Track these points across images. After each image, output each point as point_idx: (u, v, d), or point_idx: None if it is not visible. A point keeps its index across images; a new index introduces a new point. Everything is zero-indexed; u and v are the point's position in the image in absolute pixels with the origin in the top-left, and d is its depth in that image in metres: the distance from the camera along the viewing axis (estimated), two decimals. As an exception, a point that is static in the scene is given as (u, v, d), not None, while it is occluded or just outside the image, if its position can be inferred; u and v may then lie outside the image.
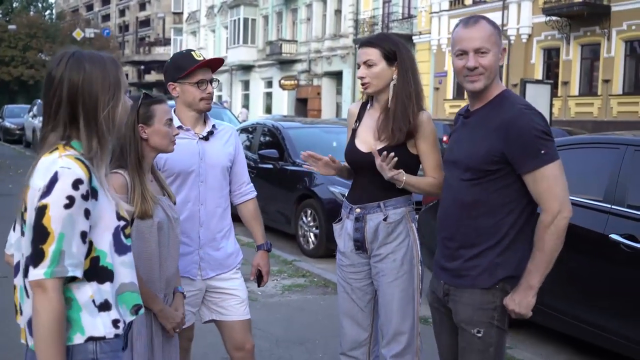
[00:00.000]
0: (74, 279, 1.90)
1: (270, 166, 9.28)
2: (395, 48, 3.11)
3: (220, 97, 45.97)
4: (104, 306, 1.97)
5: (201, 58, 3.20)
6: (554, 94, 21.39)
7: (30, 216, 1.88)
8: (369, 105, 3.28)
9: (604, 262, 4.60)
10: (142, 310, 2.14)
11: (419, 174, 3.19)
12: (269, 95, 42.26)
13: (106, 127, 1.99)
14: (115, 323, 1.99)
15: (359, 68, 3.17)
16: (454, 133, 2.94)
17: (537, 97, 19.39)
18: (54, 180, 1.85)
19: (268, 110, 41.25)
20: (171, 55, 3.39)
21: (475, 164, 2.69)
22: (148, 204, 2.68)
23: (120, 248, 2.03)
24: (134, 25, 69.58)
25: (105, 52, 2.09)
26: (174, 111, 3.30)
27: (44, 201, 1.84)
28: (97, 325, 1.95)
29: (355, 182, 3.26)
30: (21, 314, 1.99)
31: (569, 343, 5.29)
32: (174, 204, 2.90)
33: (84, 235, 1.89)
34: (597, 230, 4.62)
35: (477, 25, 2.70)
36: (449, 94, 30.33)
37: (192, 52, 3.25)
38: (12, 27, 48.42)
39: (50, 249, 1.83)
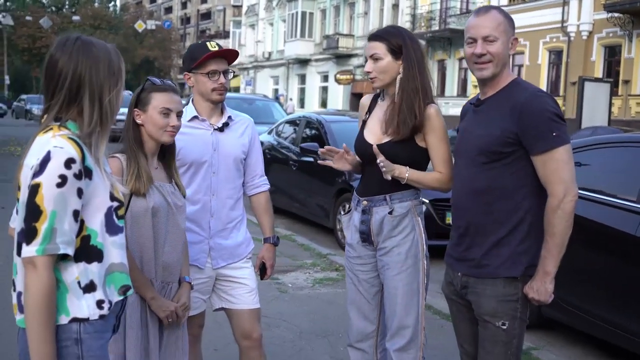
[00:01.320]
0: (64, 257, 1.94)
1: (312, 159, 9.30)
2: (402, 42, 3.09)
3: (276, 90, 46.31)
4: (89, 287, 2.00)
5: (215, 48, 3.20)
6: (614, 93, 20.87)
7: (23, 194, 1.92)
8: (380, 97, 3.27)
9: (635, 263, 4.48)
10: (131, 291, 2.16)
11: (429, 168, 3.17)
12: (324, 90, 42.31)
13: (110, 110, 2.05)
14: (99, 304, 2.02)
15: (366, 61, 3.15)
16: (463, 123, 2.97)
17: (596, 95, 18.97)
18: (46, 159, 1.88)
19: (323, 104, 41.33)
20: (189, 46, 3.42)
21: (489, 147, 2.71)
22: (141, 182, 2.70)
23: (111, 228, 2.06)
24: (195, 18, 70.56)
25: (102, 41, 2.13)
26: (192, 101, 3.34)
27: (36, 180, 1.88)
28: (82, 306, 1.98)
29: (364, 174, 3.26)
30: (14, 289, 2.04)
31: (598, 346, 5.17)
32: (183, 195, 2.93)
33: (76, 213, 1.93)
34: (628, 231, 4.50)
35: (487, 14, 2.75)
36: (506, 90, 29.84)
37: (208, 43, 3.26)
38: (76, 18, 49.67)
39: (42, 226, 1.86)
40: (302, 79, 44.68)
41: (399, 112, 3.07)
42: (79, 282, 1.99)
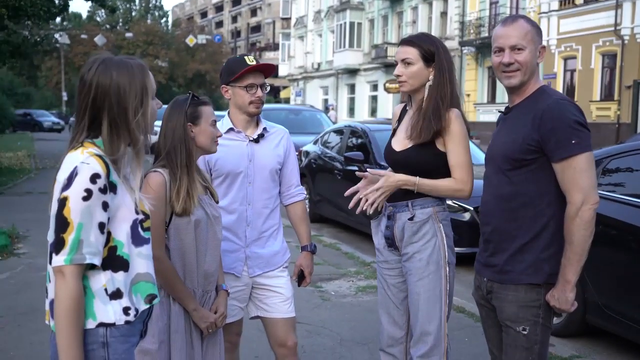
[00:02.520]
0: (92, 266, 2.04)
1: (356, 168, 9.32)
2: (434, 49, 3.12)
3: (326, 100, 46.51)
4: (116, 294, 2.09)
5: (253, 63, 3.29)
6: (670, 96, 20.36)
7: (53, 207, 2.03)
8: (408, 105, 3.31)
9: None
10: (157, 300, 2.24)
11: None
12: (374, 99, 42.33)
13: (138, 131, 2.11)
14: (125, 310, 2.10)
15: (396, 65, 3.19)
16: (495, 132, 2.97)
17: (651, 99, 18.54)
18: (73, 174, 1.99)
19: (373, 113, 41.35)
20: (227, 60, 3.51)
21: (513, 154, 2.74)
22: (192, 201, 2.79)
23: (137, 240, 2.15)
24: (245, 31, 71.47)
25: (136, 58, 2.18)
26: (228, 113, 3.42)
27: (64, 193, 1.98)
28: (108, 312, 2.07)
29: None
30: (47, 296, 2.14)
31: (647, 355, 5.06)
32: (217, 202, 3.01)
33: (101, 226, 2.02)
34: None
35: (515, 23, 2.78)
36: (558, 96, 29.35)
37: (245, 57, 3.34)
38: (129, 35, 50.81)
39: (70, 237, 1.97)
40: (352, 88, 44.79)
41: (424, 117, 3.09)
42: (105, 290, 2.08)
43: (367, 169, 3.29)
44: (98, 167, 2.01)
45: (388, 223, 3.24)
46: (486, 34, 31.98)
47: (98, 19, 65.61)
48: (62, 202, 1.99)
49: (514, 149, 2.73)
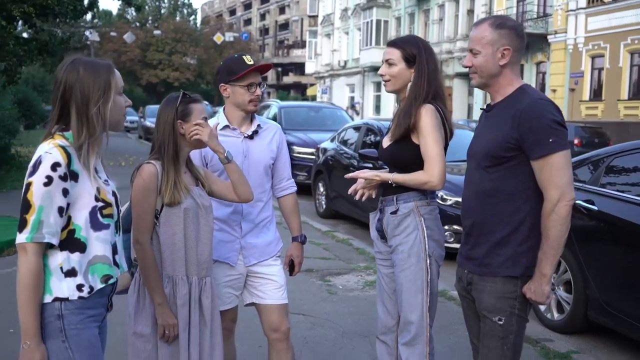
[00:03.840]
0: (51, 246, 2.26)
1: (371, 165, 9.42)
2: (417, 51, 3.25)
3: (352, 98, 46.56)
4: (70, 272, 2.31)
5: (251, 63, 3.41)
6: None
7: (22, 191, 2.27)
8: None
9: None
10: (112, 280, 2.43)
11: None
12: (400, 97, 42.23)
13: (96, 121, 2.33)
14: (79, 287, 2.31)
15: (382, 64, 3.35)
16: (477, 128, 3.06)
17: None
18: (38, 162, 2.23)
19: (399, 111, 41.26)
20: (224, 59, 3.62)
21: (493, 151, 2.83)
22: (179, 193, 2.92)
23: (95, 225, 2.35)
24: (273, 29, 71.74)
25: (104, 59, 2.45)
26: (223, 110, 3.55)
27: (29, 179, 2.23)
28: (62, 288, 2.29)
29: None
30: None
31: (647, 352, 5.09)
32: (207, 189, 3.14)
33: (60, 209, 2.24)
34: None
35: (477, 27, 2.91)
36: (586, 95, 29.08)
37: (244, 57, 3.45)
38: (157, 32, 51.32)
39: (31, 218, 2.20)
40: (378, 86, 44.74)
41: (398, 116, 3.26)
42: (61, 268, 2.30)
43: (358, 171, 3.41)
44: (59, 156, 2.24)
45: (379, 216, 3.40)
46: (513, 32, 31.79)
47: (128, 16, 66.34)
48: (27, 186, 2.22)
49: (494, 147, 2.82)
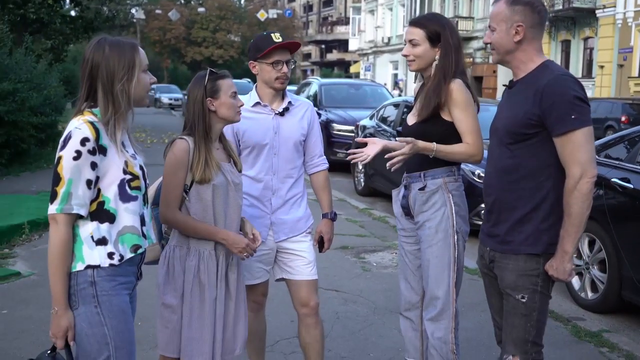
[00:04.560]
0: (82, 217, 2.39)
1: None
2: (441, 30, 3.25)
3: (396, 75, 46.22)
4: (101, 241, 2.44)
5: (279, 40, 3.44)
6: None
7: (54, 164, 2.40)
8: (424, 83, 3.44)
9: None
10: (141, 249, 2.56)
11: None
12: (444, 73, 41.76)
13: (121, 97, 2.44)
14: (110, 255, 2.44)
15: (405, 45, 3.33)
16: (499, 105, 3.07)
17: None
18: (68, 137, 2.37)
19: (443, 88, 40.83)
20: (254, 37, 3.67)
21: (514, 128, 2.84)
22: (210, 170, 2.99)
23: (124, 197, 2.48)
24: (317, 5, 71.45)
25: (129, 38, 2.56)
26: (255, 88, 3.61)
27: (60, 153, 2.36)
28: (94, 255, 2.42)
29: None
30: None
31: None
32: (240, 170, 3.21)
33: (89, 182, 2.37)
34: None
35: (495, 3, 2.91)
36: (635, 71, 28.37)
37: (272, 35, 3.50)
38: (201, 9, 51.56)
39: (61, 190, 2.33)
40: (422, 63, 44.30)
41: (426, 95, 3.26)
42: (92, 237, 2.43)
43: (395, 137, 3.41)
44: (88, 132, 2.36)
45: (404, 192, 3.43)
46: (560, 7, 31.13)
47: (173, -6, 66.70)
48: (58, 160, 2.35)
49: (516, 123, 2.82)
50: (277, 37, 3.47)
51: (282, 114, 3.55)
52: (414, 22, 3.34)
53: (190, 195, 3.01)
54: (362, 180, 11.03)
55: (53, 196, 2.35)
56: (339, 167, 12.35)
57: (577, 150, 2.70)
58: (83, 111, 2.45)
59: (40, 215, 7.48)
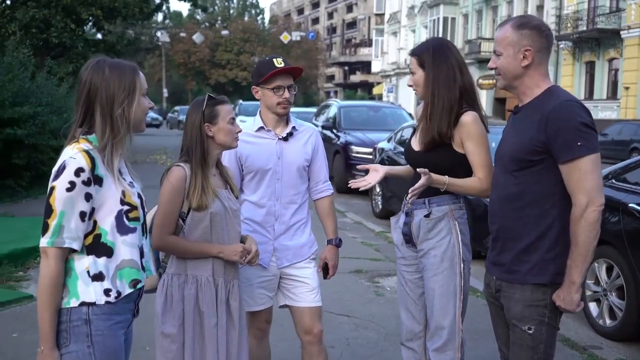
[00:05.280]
0: (75, 250, 2.27)
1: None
2: (425, 55, 3.23)
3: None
4: (98, 277, 2.31)
5: (281, 65, 3.40)
6: None
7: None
8: None
9: None
10: (140, 285, 2.44)
11: None
12: (467, 95, 41.67)
13: (121, 122, 2.33)
14: (106, 292, 2.31)
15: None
16: (504, 130, 3.01)
17: None
18: (62, 167, 2.25)
19: (466, 109, 40.73)
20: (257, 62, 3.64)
21: (519, 154, 2.77)
22: (207, 197, 2.95)
23: (122, 229, 2.35)
24: (340, 28, 71.85)
25: (128, 61, 2.44)
26: (259, 113, 3.58)
27: (53, 183, 2.24)
28: (90, 292, 2.29)
29: (412, 179, 3.38)
30: None
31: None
32: (237, 197, 3.17)
33: (83, 214, 2.25)
34: None
35: (500, 29, 2.85)
36: (660, 92, 28.04)
37: (274, 59, 3.46)
38: (225, 32, 52.07)
39: (52, 222, 2.22)
40: (444, 85, 44.28)
41: (426, 121, 3.24)
42: (88, 272, 2.30)
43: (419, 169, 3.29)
44: (83, 161, 2.25)
45: (406, 220, 3.35)
46: (584, 28, 30.99)
47: (198, 17, 67.54)
48: (50, 191, 2.24)
49: (521, 150, 2.76)
50: (279, 62, 3.43)
51: (285, 139, 3.51)
52: (411, 51, 3.35)
53: (187, 223, 2.98)
54: (379, 202, 10.95)
55: (44, 228, 2.23)
56: (357, 190, 12.23)
57: (584, 178, 2.62)
58: (78, 138, 2.33)
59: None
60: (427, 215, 3.24)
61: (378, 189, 10.95)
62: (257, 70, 3.51)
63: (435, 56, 3.22)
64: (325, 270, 3.67)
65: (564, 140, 2.63)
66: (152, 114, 53.22)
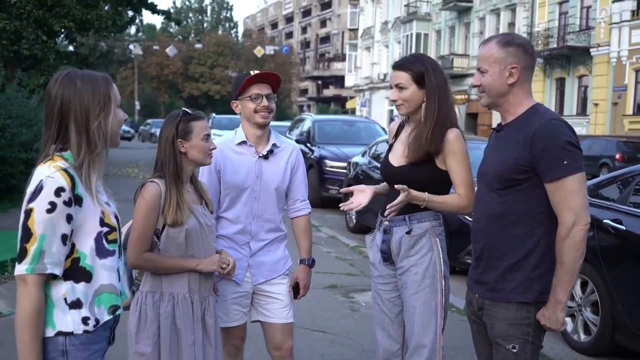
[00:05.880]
0: (54, 276, 2.11)
1: (400, 180, 9.33)
2: (424, 70, 3.18)
3: (391, 111, 46.41)
4: (75, 304, 2.15)
5: (257, 72, 3.39)
6: None
7: (20, 217, 2.10)
8: (407, 122, 3.36)
9: None
10: (120, 311, 2.30)
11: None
12: (439, 110, 41.96)
13: (97, 136, 2.19)
14: (84, 320, 2.16)
15: (391, 89, 3.26)
16: (487, 148, 2.98)
17: None
18: (39, 188, 2.08)
19: (438, 124, 41.00)
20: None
21: (504, 173, 2.74)
22: (182, 213, 2.89)
23: (101, 252, 2.21)
24: (314, 42, 72.07)
25: (100, 72, 2.30)
26: (241, 127, 3.51)
27: (30, 205, 2.07)
28: (67, 321, 2.13)
29: (388, 195, 3.34)
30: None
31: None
32: (211, 212, 3.12)
33: (64, 237, 2.09)
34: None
35: (484, 46, 2.82)
36: (629, 109, 28.49)
37: (250, 71, 3.43)
38: (198, 46, 51.96)
39: (32, 247, 2.05)
40: (417, 100, 44.53)
41: (416, 139, 3.18)
42: (65, 299, 2.14)
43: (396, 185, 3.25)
44: (62, 181, 2.09)
45: (384, 237, 3.30)
46: (555, 45, 31.39)
47: (171, 30, 67.29)
48: (27, 213, 2.07)
49: (506, 169, 2.73)
50: (254, 72, 3.40)
51: (266, 157, 3.45)
52: (398, 66, 3.26)
53: (162, 239, 2.92)
54: (353, 217, 10.93)
55: (22, 254, 2.05)
56: (331, 204, 12.22)
57: (570, 197, 2.61)
58: (52, 156, 2.16)
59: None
60: (408, 232, 3.20)
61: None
62: (235, 84, 3.48)
63: (435, 71, 3.20)
64: (296, 290, 3.61)
65: (550, 159, 2.61)
66: (124, 127, 52.76)
